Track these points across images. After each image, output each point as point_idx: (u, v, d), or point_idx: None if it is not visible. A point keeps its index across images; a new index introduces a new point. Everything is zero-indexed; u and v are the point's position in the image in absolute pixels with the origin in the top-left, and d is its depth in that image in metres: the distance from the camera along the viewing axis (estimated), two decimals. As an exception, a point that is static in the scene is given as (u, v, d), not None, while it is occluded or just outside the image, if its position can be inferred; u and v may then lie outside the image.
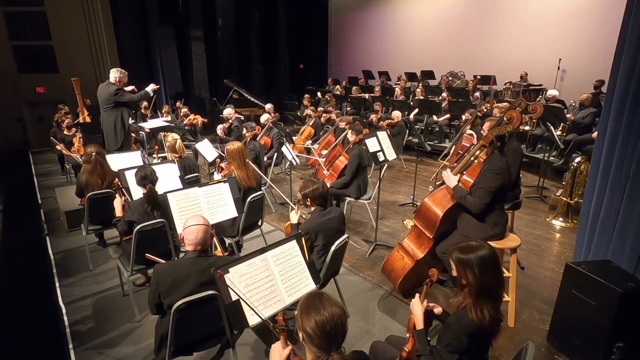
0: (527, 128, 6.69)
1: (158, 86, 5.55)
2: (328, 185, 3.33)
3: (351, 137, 4.63)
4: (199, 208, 2.95)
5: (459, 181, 2.80)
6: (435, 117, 8.16)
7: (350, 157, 4.45)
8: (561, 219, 4.69)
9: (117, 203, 3.09)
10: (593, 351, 2.37)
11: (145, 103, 8.36)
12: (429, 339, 1.79)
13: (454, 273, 1.80)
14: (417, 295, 1.88)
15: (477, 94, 8.38)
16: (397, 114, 7.10)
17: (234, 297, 1.77)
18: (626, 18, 2.58)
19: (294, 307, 1.80)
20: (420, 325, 1.79)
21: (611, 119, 2.68)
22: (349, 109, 9.89)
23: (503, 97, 8.70)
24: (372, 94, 9.95)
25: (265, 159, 5.51)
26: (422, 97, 8.61)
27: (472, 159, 2.84)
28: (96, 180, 3.71)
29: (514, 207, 3.76)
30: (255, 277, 1.92)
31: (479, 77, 9.45)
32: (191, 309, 1.98)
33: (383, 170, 4.58)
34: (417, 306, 1.83)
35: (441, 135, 8.22)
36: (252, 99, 10.95)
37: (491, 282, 1.69)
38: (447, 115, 8.08)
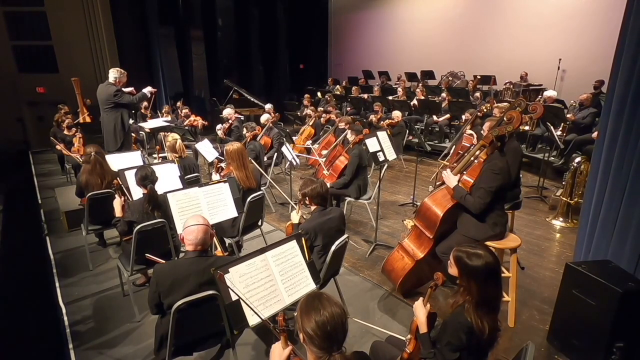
0: (527, 128, 6.68)
1: (155, 90, 5.59)
2: (328, 185, 3.34)
3: (351, 137, 4.63)
4: (199, 208, 2.95)
5: (459, 181, 2.80)
6: (435, 117, 8.15)
7: (350, 157, 4.45)
8: (561, 219, 4.69)
9: (117, 203, 3.08)
10: (593, 351, 2.37)
11: (145, 103, 8.36)
12: (432, 341, 1.79)
13: (452, 272, 1.80)
14: (420, 298, 1.88)
15: (477, 94, 8.38)
16: (397, 114, 7.09)
17: (234, 297, 1.77)
18: (626, 18, 2.58)
19: (294, 307, 1.80)
20: (423, 328, 1.79)
21: (611, 119, 2.68)
22: (349, 109, 9.89)
23: (503, 97, 8.70)
24: (371, 94, 9.95)
25: (265, 159, 5.51)
26: (422, 97, 8.61)
27: (472, 159, 2.84)
28: (96, 180, 3.70)
29: (514, 207, 3.76)
30: (255, 277, 1.92)
31: (479, 77, 9.45)
32: (191, 309, 1.98)
33: (383, 170, 4.58)
34: (420, 309, 1.83)
35: (441, 135, 8.22)
36: (252, 99, 10.95)
37: (492, 293, 1.69)
38: (447, 115, 8.08)
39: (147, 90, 5.40)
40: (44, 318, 3.27)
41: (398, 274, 3.10)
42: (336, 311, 1.31)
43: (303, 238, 2.28)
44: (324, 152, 5.43)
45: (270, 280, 1.97)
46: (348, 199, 4.45)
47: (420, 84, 10.28)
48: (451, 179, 2.82)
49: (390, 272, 3.20)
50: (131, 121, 5.59)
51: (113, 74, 5.06)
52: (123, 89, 5.11)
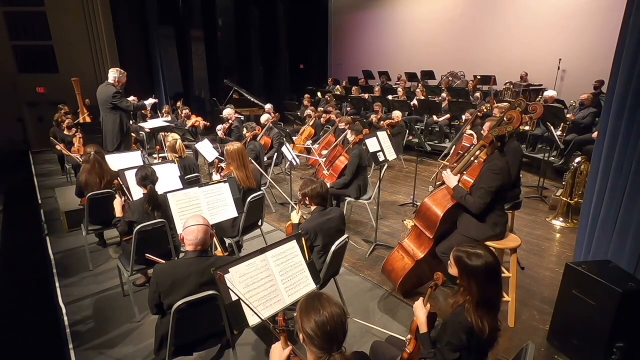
0: (527, 128, 6.68)
1: (156, 101, 5.62)
2: (328, 185, 3.33)
3: (351, 137, 4.63)
4: (199, 208, 2.95)
5: (459, 181, 2.80)
6: (435, 117, 8.15)
7: (350, 157, 4.44)
8: (561, 219, 4.69)
9: (117, 203, 3.08)
10: (593, 351, 2.37)
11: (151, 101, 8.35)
12: (433, 341, 1.79)
13: (452, 272, 1.80)
14: (420, 298, 1.88)
15: (477, 94, 8.38)
16: (397, 114, 7.09)
17: (234, 297, 1.77)
18: (626, 18, 2.58)
19: (294, 307, 1.80)
20: (423, 328, 1.80)
21: (611, 119, 2.68)
22: (349, 109, 9.90)
23: (503, 97, 8.70)
24: (372, 94, 9.95)
25: (265, 159, 5.51)
26: (422, 97, 8.61)
27: (472, 159, 2.84)
28: (94, 179, 3.70)
29: (514, 207, 3.76)
30: (255, 277, 1.92)
31: (479, 77, 9.45)
32: (191, 309, 1.98)
33: (383, 170, 4.58)
34: (420, 309, 1.83)
35: (441, 135, 8.22)
36: (252, 99, 10.95)
37: (492, 292, 1.69)
38: (447, 115, 8.08)
39: (149, 102, 5.51)
40: (44, 318, 3.26)
41: (398, 274, 3.10)
42: (336, 311, 1.31)
43: (303, 238, 2.28)
44: (324, 152, 5.44)
45: (270, 280, 1.97)
46: (348, 199, 4.45)
47: (420, 84, 10.28)
48: (451, 179, 2.82)
49: (390, 272, 3.20)
50: (131, 121, 5.60)
51: (113, 73, 5.06)
52: (127, 98, 5.13)
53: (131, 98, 5.21)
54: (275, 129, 6.29)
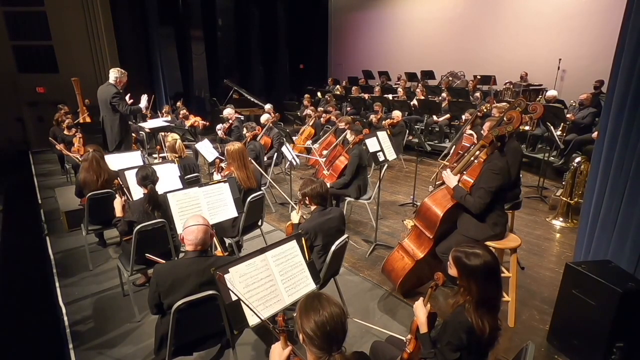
0: (527, 128, 6.69)
1: (152, 95, 5.64)
2: (328, 185, 3.34)
3: (351, 137, 4.63)
4: (199, 208, 2.95)
5: (459, 181, 2.80)
6: (435, 117, 8.15)
7: (350, 157, 4.44)
8: (561, 219, 4.69)
9: (117, 203, 3.08)
10: (593, 351, 2.37)
11: (145, 103, 8.36)
12: (433, 341, 1.79)
13: (452, 272, 1.80)
14: (420, 298, 1.88)
15: (477, 94, 8.38)
16: (397, 114, 7.09)
17: (234, 297, 1.77)
18: (626, 18, 2.58)
19: (294, 307, 1.80)
20: (424, 328, 1.80)
21: (611, 119, 2.68)
22: (349, 109, 9.89)
23: (503, 97, 8.70)
24: (372, 94, 9.95)
25: (265, 159, 5.51)
26: (422, 97, 8.61)
27: (472, 159, 2.84)
28: (92, 177, 3.70)
29: (514, 207, 3.76)
30: (255, 277, 1.92)
31: (479, 77, 9.45)
32: (191, 309, 1.98)
33: (383, 170, 4.58)
34: (420, 309, 1.83)
35: (441, 135, 8.22)
36: (252, 99, 10.96)
37: (492, 292, 1.69)
38: (447, 115, 8.08)
39: (143, 104, 5.56)
40: (44, 318, 3.26)
41: (398, 274, 3.10)
42: (335, 311, 1.31)
43: (303, 238, 2.28)
44: (325, 152, 5.44)
45: (270, 280, 1.97)
46: (348, 199, 4.45)
47: (420, 84, 10.28)
48: (451, 179, 2.82)
49: (390, 272, 3.20)
50: (131, 121, 5.62)
51: (114, 74, 5.05)
52: (125, 98, 5.13)
53: (127, 97, 5.23)
54: (275, 129, 6.29)
